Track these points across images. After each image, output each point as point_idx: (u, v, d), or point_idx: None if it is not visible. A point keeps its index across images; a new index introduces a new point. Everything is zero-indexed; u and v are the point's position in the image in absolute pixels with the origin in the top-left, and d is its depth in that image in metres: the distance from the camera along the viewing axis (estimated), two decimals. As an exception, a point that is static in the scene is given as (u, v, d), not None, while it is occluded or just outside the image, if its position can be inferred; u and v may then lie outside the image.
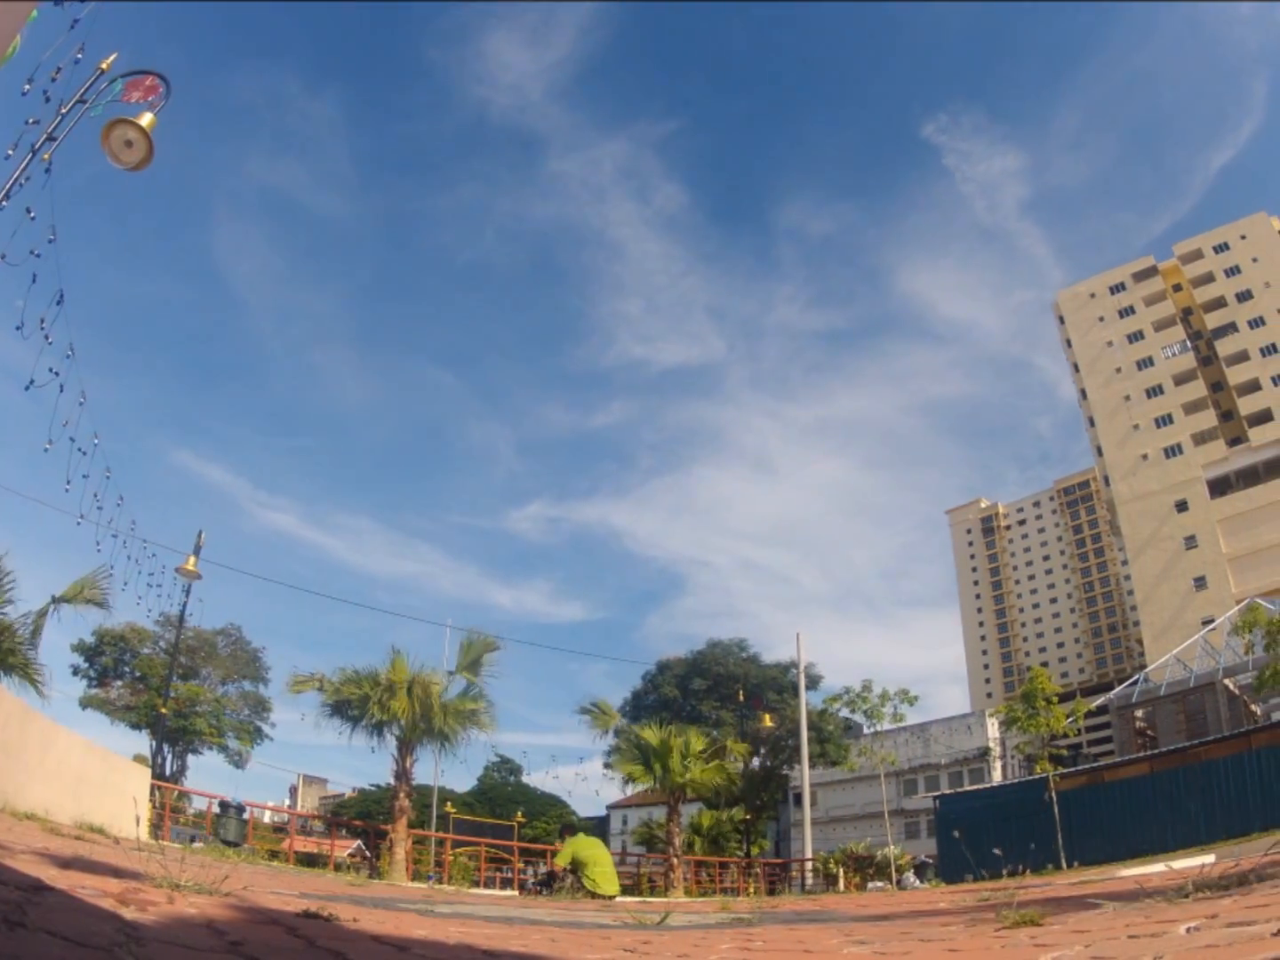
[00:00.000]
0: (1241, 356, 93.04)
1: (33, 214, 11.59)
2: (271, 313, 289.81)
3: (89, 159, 11.82)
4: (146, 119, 10.46)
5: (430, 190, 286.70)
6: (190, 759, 70.52)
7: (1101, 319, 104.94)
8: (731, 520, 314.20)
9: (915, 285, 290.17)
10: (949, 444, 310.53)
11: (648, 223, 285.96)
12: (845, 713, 43.38)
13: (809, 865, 42.41)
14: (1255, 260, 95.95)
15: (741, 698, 54.15)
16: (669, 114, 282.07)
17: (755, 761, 56.99)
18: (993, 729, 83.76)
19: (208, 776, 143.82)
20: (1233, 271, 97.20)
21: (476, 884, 28.27)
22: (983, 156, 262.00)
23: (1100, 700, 59.73)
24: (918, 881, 36.64)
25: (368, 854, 36.86)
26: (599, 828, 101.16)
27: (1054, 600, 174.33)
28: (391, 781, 26.48)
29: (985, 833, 29.36)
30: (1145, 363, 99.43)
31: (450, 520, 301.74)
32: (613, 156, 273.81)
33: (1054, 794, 31.45)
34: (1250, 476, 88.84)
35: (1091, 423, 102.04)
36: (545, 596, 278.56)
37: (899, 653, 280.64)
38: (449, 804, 50.88)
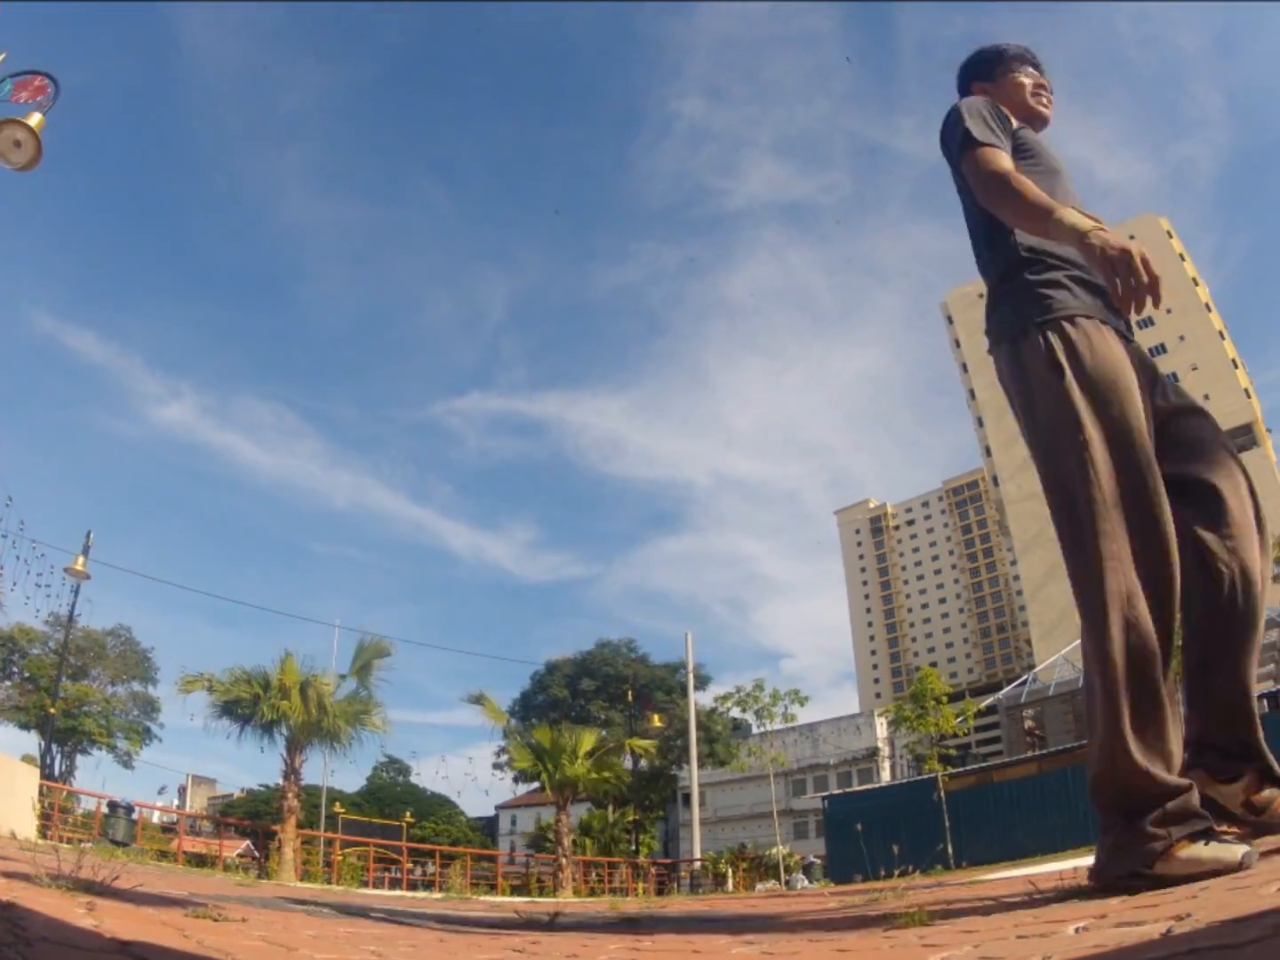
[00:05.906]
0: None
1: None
2: (237, 96, 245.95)
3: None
4: (35, 119, 10.33)
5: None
6: (79, 759, 69.55)
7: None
8: (739, 429, 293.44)
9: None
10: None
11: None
12: (736, 712, 43.59)
13: (698, 865, 42.61)
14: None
15: (630, 698, 54.34)
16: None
17: (644, 762, 57.20)
18: (881, 729, 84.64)
19: (97, 776, 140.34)
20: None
21: (365, 884, 27.98)
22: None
23: (989, 700, 60.66)
24: (806, 881, 36.89)
25: (257, 854, 36.36)
26: (488, 828, 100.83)
27: (943, 600, 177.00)
28: (280, 781, 26.14)
29: (874, 833, 29.50)
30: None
31: (401, 418, 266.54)
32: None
33: (943, 794, 31.79)
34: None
35: (980, 423, 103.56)
36: (510, 548, 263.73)
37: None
38: (338, 804, 50.39)
